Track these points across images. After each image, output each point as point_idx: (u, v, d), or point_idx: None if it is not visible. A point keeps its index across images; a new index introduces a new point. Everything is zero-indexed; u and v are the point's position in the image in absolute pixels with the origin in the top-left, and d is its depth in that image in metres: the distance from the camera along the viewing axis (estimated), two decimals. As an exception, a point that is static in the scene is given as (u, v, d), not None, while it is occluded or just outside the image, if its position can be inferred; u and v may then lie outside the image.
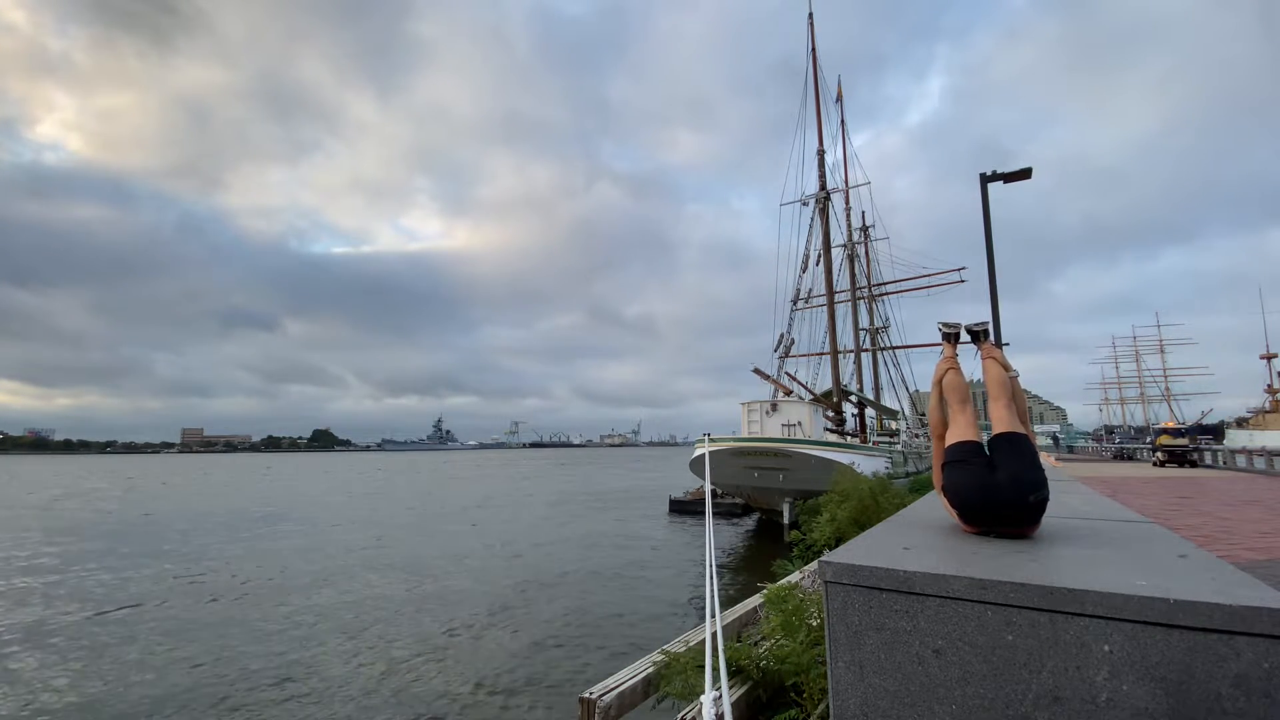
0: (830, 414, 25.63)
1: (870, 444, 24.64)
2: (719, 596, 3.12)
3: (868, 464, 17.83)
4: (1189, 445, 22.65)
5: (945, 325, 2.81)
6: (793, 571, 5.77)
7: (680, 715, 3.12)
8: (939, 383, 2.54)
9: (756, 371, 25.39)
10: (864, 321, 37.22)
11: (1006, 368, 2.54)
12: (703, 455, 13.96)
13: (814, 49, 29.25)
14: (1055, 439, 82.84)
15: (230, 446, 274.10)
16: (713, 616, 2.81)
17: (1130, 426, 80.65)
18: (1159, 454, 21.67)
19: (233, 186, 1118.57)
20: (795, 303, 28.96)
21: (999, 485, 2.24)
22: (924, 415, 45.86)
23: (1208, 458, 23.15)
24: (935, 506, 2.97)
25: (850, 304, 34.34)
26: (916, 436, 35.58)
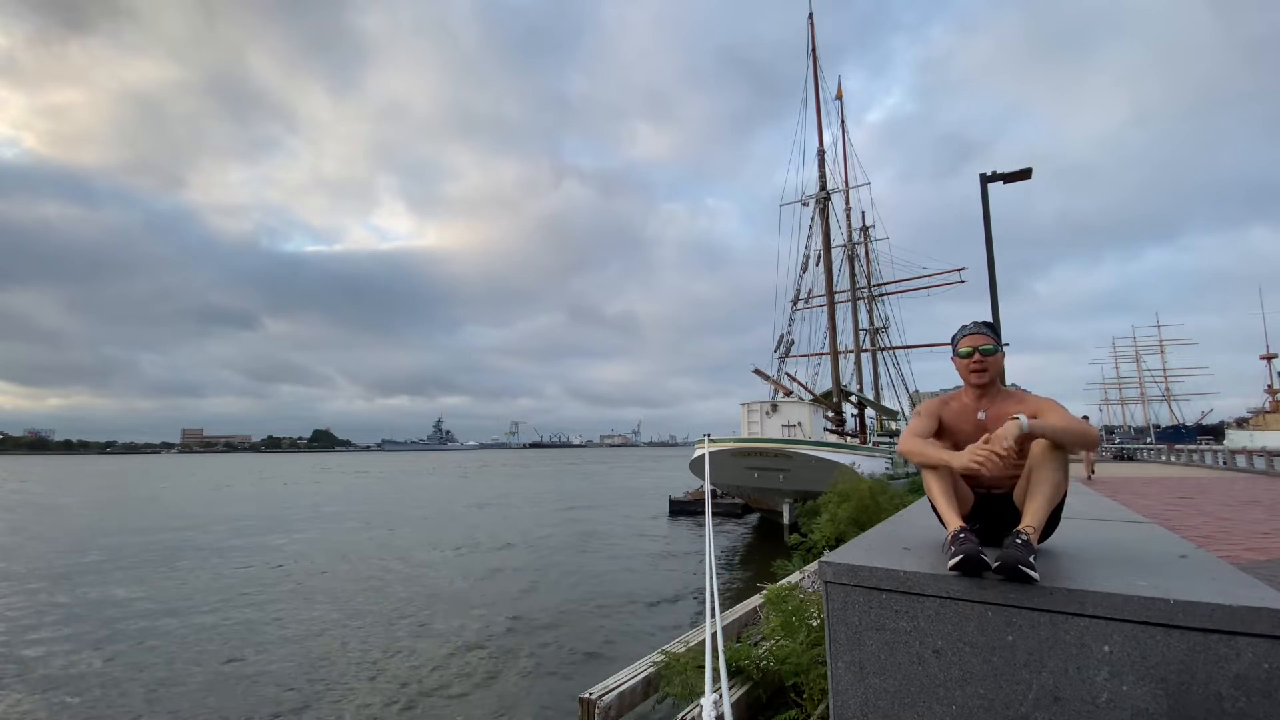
0: (830, 414, 25.64)
1: (870, 445, 24.65)
2: (719, 597, 3.11)
3: (868, 465, 17.83)
4: None
5: None
6: (793, 572, 5.77)
7: (680, 715, 3.12)
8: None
9: (757, 372, 25.40)
10: (864, 321, 37.24)
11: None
12: (703, 456, 13.97)
13: (814, 48, 29.26)
14: None
15: (230, 447, 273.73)
16: (713, 617, 2.81)
17: (1130, 427, 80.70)
18: None
19: (194, 184, 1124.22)
20: (795, 303, 28.97)
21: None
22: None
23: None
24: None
25: (850, 304, 34.35)
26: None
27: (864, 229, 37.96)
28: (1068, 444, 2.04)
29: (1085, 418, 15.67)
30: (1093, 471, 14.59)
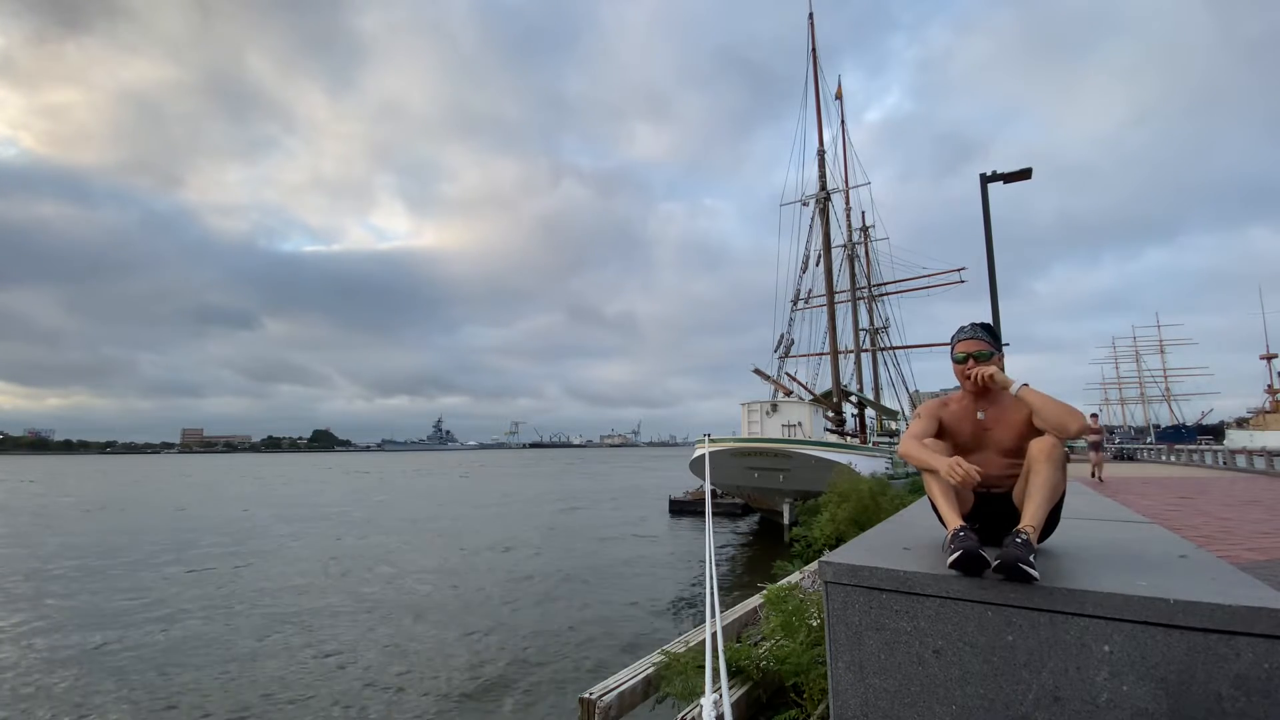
0: (830, 414, 25.64)
1: (870, 444, 24.65)
2: (719, 597, 3.11)
3: (867, 464, 17.83)
4: None
5: None
6: (793, 571, 5.77)
7: (680, 715, 3.12)
8: None
9: (757, 372, 25.40)
10: (864, 321, 37.23)
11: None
12: (703, 456, 13.97)
13: (814, 48, 29.28)
14: None
15: (230, 447, 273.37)
16: (713, 616, 2.81)
17: (1130, 427, 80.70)
18: None
19: (191, 184, 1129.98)
20: (795, 303, 28.97)
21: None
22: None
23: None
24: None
25: (850, 304, 34.35)
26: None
27: (864, 229, 37.95)
28: (1048, 418, 2.08)
29: (1094, 415, 15.13)
30: (1102, 477, 12.29)
